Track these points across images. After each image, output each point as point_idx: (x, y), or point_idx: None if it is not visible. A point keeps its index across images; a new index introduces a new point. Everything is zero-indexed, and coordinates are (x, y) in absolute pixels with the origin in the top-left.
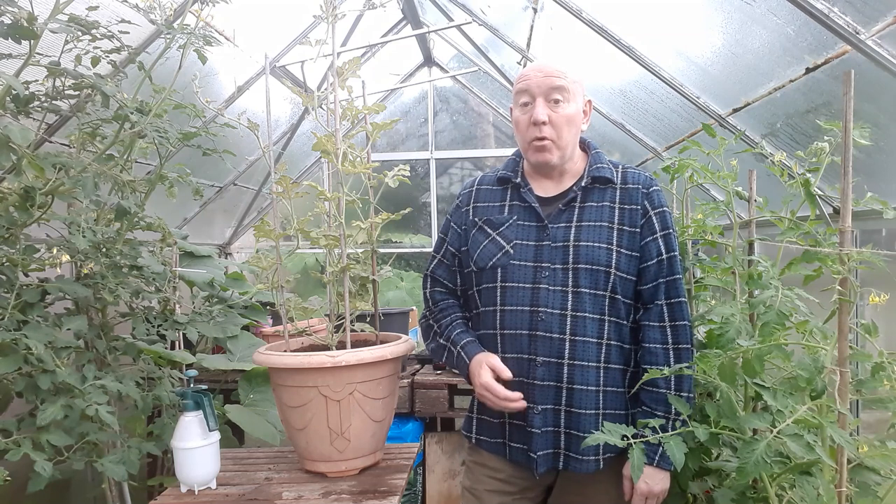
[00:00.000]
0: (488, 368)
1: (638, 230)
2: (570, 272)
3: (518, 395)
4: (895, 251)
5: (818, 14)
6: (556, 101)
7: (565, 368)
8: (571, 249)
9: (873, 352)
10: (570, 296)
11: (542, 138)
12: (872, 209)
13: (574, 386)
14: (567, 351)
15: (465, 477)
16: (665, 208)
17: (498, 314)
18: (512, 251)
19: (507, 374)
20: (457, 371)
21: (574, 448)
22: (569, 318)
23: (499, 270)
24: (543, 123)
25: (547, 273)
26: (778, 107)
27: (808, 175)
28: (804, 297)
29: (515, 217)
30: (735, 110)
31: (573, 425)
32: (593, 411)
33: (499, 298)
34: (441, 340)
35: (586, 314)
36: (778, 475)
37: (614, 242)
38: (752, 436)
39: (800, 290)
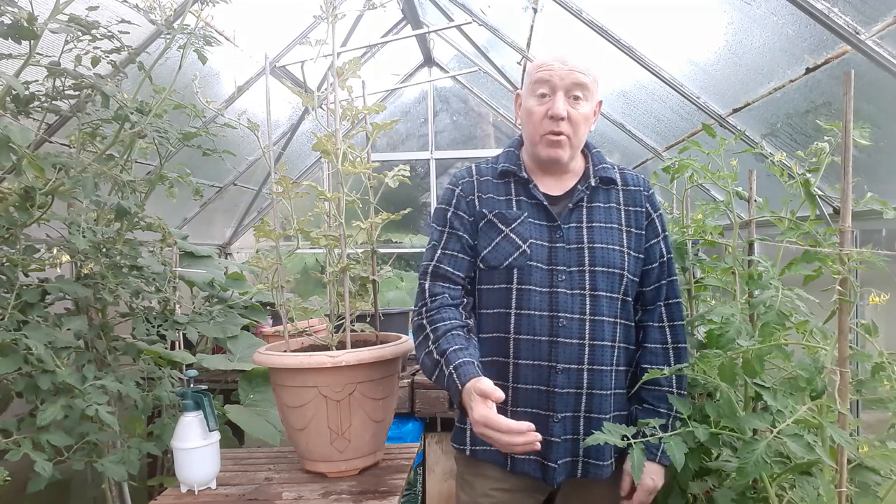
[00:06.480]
0: (480, 399)
1: (643, 232)
2: (587, 275)
3: (527, 425)
4: (895, 251)
5: (818, 14)
6: (577, 98)
7: (585, 374)
8: (587, 251)
9: (873, 352)
10: (587, 299)
11: (559, 133)
12: (872, 209)
13: (594, 391)
14: (587, 356)
15: (462, 491)
16: (661, 210)
17: (512, 318)
18: (529, 251)
19: (497, 394)
20: (448, 391)
21: (593, 454)
22: (587, 323)
23: (515, 271)
24: (562, 119)
25: (563, 276)
26: (778, 107)
27: (808, 175)
28: (804, 297)
29: (526, 214)
30: (735, 110)
31: (593, 431)
32: (609, 415)
33: (514, 301)
34: (435, 354)
35: (604, 317)
36: (778, 475)
37: (624, 244)
38: (752, 436)
39: (800, 290)
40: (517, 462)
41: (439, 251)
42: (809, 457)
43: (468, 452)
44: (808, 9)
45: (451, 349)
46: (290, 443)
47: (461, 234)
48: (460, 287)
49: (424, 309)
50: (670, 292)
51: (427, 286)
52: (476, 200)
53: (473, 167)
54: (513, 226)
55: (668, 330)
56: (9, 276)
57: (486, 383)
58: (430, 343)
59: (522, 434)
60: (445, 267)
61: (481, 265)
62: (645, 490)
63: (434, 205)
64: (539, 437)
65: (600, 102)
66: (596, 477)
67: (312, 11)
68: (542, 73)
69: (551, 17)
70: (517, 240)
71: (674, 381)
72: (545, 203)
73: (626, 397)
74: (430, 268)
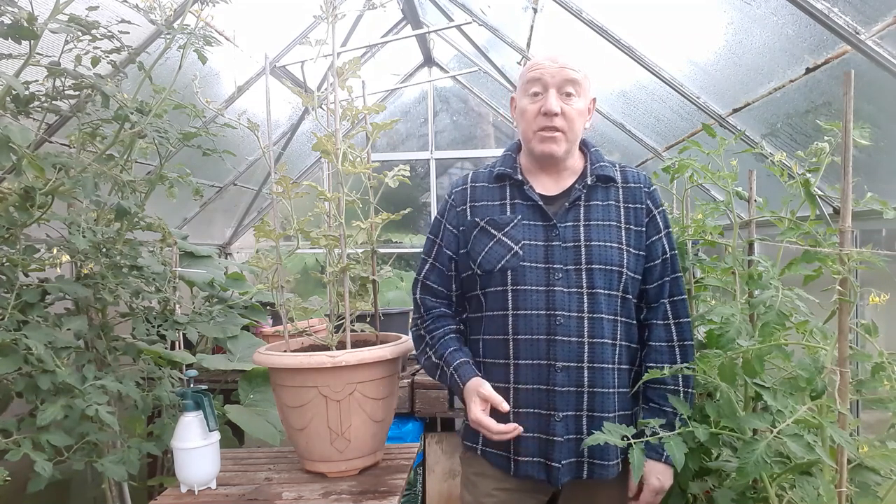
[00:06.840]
0: (479, 401)
1: (643, 229)
2: (584, 273)
3: (513, 426)
4: (895, 251)
5: (818, 14)
6: (569, 95)
7: (585, 372)
8: (584, 249)
9: (873, 352)
10: (585, 297)
11: (553, 128)
12: (872, 209)
13: (595, 389)
14: (586, 354)
15: (466, 491)
16: (664, 207)
17: (510, 318)
18: (521, 252)
19: (503, 406)
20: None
21: (598, 455)
22: (586, 321)
23: (508, 273)
24: (555, 115)
25: (560, 275)
26: (778, 107)
27: (808, 175)
28: (804, 297)
29: (520, 216)
30: (735, 110)
31: (595, 431)
32: (613, 414)
33: (510, 302)
34: (434, 358)
35: (602, 315)
36: (778, 475)
37: (623, 242)
38: (752, 436)
39: (800, 290)
40: (520, 465)
41: (429, 263)
42: (809, 457)
43: (479, 452)
44: (808, 9)
45: (449, 351)
46: (290, 443)
47: (445, 249)
48: (446, 300)
49: (420, 321)
50: (674, 289)
51: (420, 299)
52: (468, 210)
53: (470, 174)
54: (505, 230)
55: (673, 327)
56: (9, 276)
57: (487, 388)
58: (429, 349)
59: (510, 433)
60: (432, 283)
61: (478, 271)
62: (651, 490)
63: (434, 205)
64: (520, 428)
65: (594, 100)
66: (601, 478)
67: (312, 11)
68: (534, 73)
69: (551, 17)
70: (509, 242)
71: (680, 379)
72: (540, 203)
73: (630, 396)
74: (420, 281)
